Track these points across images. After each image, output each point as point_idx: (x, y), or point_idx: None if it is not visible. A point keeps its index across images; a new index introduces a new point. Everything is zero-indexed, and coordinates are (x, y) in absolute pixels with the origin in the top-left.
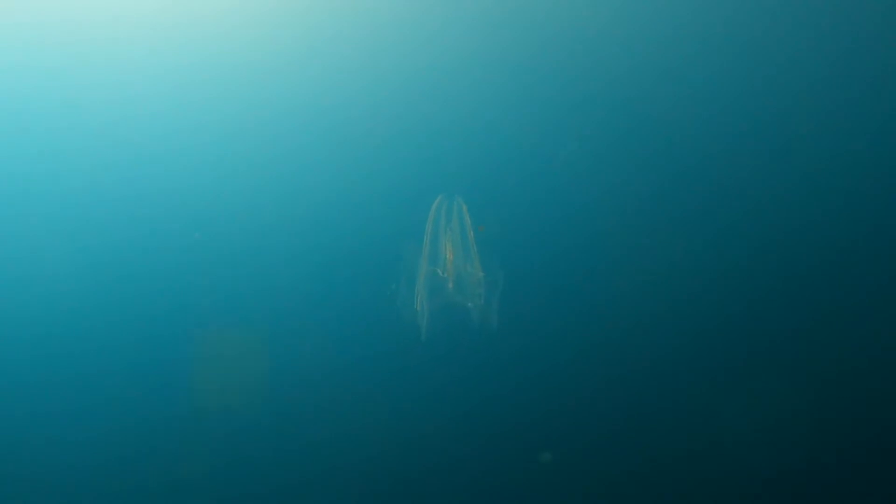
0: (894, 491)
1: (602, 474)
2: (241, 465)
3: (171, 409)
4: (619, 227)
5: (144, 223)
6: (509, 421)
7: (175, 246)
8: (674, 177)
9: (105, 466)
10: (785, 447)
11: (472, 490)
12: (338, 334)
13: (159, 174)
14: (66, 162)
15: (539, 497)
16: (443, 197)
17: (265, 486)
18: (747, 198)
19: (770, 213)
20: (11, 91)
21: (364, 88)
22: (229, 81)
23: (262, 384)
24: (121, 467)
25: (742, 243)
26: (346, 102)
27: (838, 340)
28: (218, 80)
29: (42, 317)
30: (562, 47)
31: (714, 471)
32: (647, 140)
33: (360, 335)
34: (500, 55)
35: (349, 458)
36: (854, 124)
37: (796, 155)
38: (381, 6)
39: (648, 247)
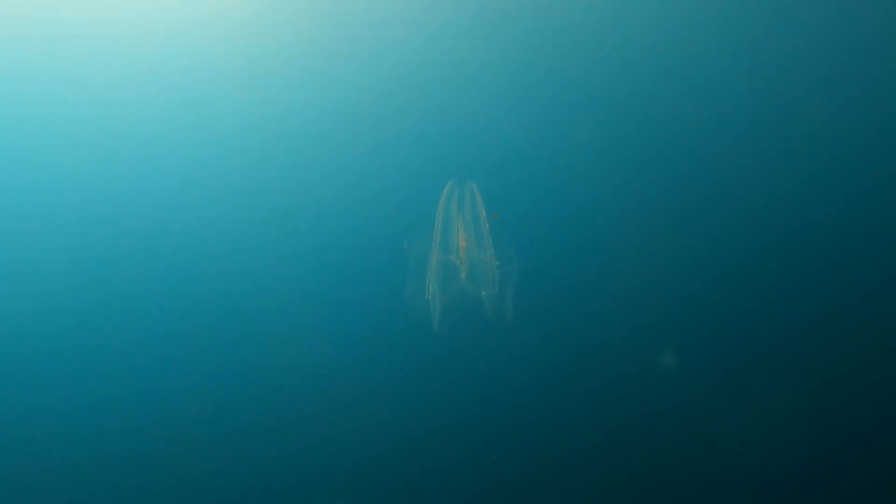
0: (894, 491)
1: (619, 466)
2: (245, 464)
3: (173, 406)
4: (638, 215)
5: (152, 217)
6: (524, 415)
7: (180, 240)
8: (691, 164)
9: (106, 466)
10: (787, 447)
11: (483, 486)
12: (345, 326)
13: (170, 166)
14: (65, 161)
15: (554, 489)
16: (454, 182)
17: (267, 486)
18: (762, 183)
19: (794, 200)
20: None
21: (374, 69)
22: (235, 61)
23: (265, 379)
24: (122, 466)
25: (768, 224)
26: (355, 83)
27: (840, 341)
28: (223, 60)
29: (43, 317)
30: (579, 29)
31: (725, 464)
32: (665, 125)
33: (368, 327)
34: (514, 36)
35: (357, 456)
36: (855, 124)
37: (815, 146)
38: None
39: (667, 235)
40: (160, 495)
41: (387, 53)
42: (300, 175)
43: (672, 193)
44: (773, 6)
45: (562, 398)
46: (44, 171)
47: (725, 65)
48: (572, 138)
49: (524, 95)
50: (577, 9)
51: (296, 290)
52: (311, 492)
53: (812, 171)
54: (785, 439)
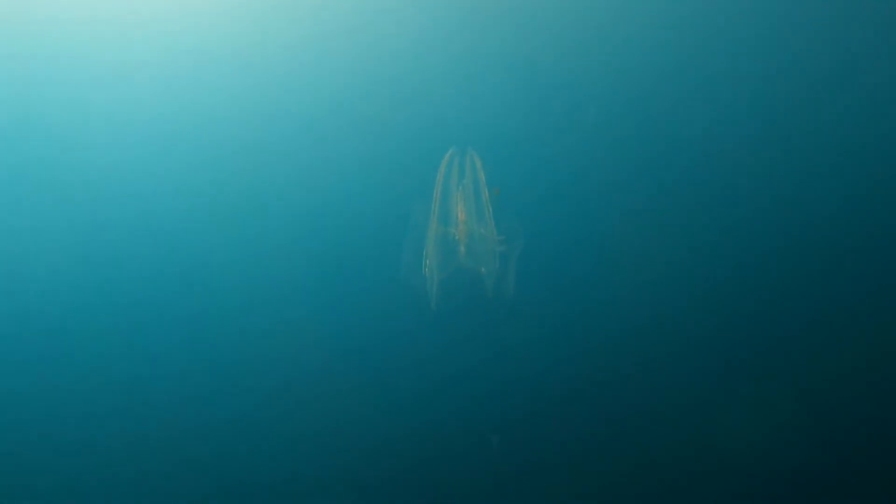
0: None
1: (620, 446)
2: (237, 450)
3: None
4: (646, 192)
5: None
6: (524, 397)
7: (177, 229)
8: (703, 140)
9: (107, 463)
10: (783, 446)
11: (482, 469)
12: (337, 302)
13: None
14: (61, 159)
15: (554, 470)
16: (454, 150)
17: (260, 471)
18: (772, 159)
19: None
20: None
21: (374, 30)
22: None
23: (255, 363)
24: (120, 461)
25: (776, 205)
26: (354, 45)
27: (839, 341)
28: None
29: (43, 317)
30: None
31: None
32: (677, 99)
33: (361, 302)
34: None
35: (351, 439)
36: (857, 124)
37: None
38: None
39: (676, 214)
40: (151, 483)
41: (387, 13)
42: (293, 142)
43: (682, 171)
44: None
45: (564, 380)
46: (39, 168)
47: (745, 37)
48: (580, 110)
49: (531, 62)
50: None
51: (286, 264)
52: (303, 476)
53: (820, 169)
54: (781, 439)
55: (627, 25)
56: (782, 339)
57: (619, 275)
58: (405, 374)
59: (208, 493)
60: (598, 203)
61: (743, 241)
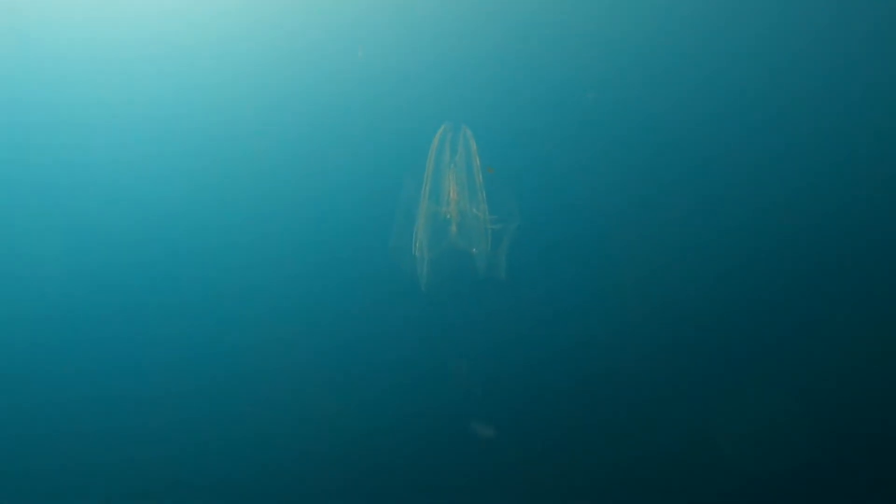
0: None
1: (615, 435)
2: (225, 436)
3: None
4: (644, 173)
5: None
6: (515, 381)
7: (166, 213)
8: (703, 121)
9: (105, 464)
10: (779, 447)
11: (473, 454)
12: (323, 283)
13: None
14: (59, 159)
15: (544, 457)
16: (447, 126)
17: (251, 459)
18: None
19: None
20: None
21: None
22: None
23: (241, 346)
24: (117, 465)
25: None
26: (342, 17)
27: (836, 341)
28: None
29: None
30: None
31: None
32: (680, 79)
33: (349, 284)
34: None
35: (339, 424)
36: (857, 124)
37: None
38: None
39: (674, 194)
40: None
41: None
42: (281, 117)
43: (681, 155)
44: None
45: (556, 363)
46: (39, 170)
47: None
48: (577, 88)
49: (528, 37)
50: None
51: (273, 244)
52: (291, 461)
53: (821, 167)
54: (777, 440)
55: (628, 5)
56: (781, 338)
57: (613, 256)
58: (393, 356)
59: (204, 484)
60: (594, 184)
61: (745, 225)
